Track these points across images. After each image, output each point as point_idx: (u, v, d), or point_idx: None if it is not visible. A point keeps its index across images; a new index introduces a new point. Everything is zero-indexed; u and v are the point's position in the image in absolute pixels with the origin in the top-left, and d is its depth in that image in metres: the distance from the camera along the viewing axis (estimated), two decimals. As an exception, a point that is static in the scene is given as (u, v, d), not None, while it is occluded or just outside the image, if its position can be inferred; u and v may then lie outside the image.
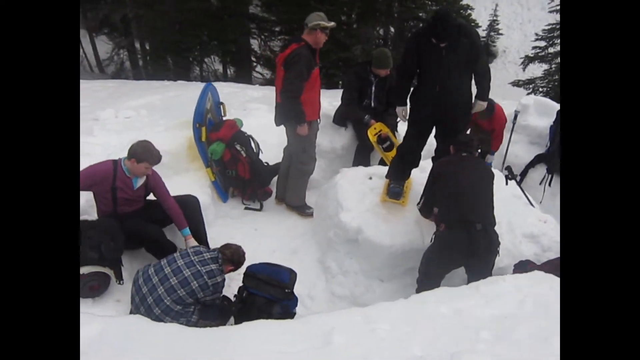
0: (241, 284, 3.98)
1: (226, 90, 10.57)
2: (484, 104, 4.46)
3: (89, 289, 3.85)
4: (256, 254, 4.76)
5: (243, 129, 5.76)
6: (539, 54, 17.44)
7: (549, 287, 3.02)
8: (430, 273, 4.07)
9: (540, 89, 17.48)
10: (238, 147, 5.54)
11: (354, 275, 4.68)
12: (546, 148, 6.24)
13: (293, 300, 3.90)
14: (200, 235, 4.62)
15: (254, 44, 17.71)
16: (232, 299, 4.06)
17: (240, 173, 5.58)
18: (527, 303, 2.83)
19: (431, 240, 4.14)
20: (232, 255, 3.98)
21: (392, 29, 16.81)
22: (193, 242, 4.38)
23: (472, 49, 4.18)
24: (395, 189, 4.79)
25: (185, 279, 3.66)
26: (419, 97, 4.45)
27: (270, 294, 3.81)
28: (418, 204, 4.43)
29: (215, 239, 4.81)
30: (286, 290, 3.86)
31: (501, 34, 22.38)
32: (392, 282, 4.61)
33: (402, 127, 6.14)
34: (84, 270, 3.84)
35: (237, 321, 3.86)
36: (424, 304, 2.91)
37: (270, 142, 6.00)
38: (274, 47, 17.45)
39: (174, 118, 6.95)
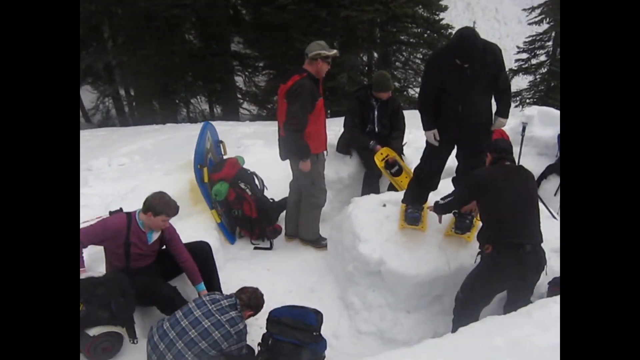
0: (265, 331, 3.72)
1: (218, 129, 10.41)
2: (505, 121, 4.29)
3: (101, 350, 3.60)
4: (272, 296, 4.51)
5: (245, 166, 5.57)
6: (523, 66, 17.56)
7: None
8: (472, 300, 3.86)
9: (527, 100, 17.58)
10: (242, 185, 5.33)
11: (379, 309, 4.43)
12: (556, 158, 6.09)
13: (321, 343, 3.65)
14: (213, 282, 4.40)
15: (239, 81, 17.63)
16: (256, 348, 3.80)
17: (246, 212, 5.35)
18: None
19: (475, 262, 3.94)
20: (249, 300, 3.75)
21: (376, 55, 16.80)
22: None
23: (494, 66, 4.04)
24: (413, 214, 4.58)
25: (205, 330, 3.41)
26: (441, 118, 4.26)
27: (296, 339, 3.54)
28: (439, 200, 4.19)
29: (227, 282, 4.58)
30: (314, 333, 3.61)
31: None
32: (419, 312, 4.36)
33: (408, 151, 6.00)
34: (94, 331, 3.59)
35: (264, 372, 3.59)
36: (475, 337, 2.67)
37: (272, 177, 5.79)
38: (259, 83, 17.41)
39: (170, 161, 6.77)
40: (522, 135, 6.15)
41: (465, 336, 2.72)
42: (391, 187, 5.75)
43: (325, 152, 5.14)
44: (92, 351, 3.55)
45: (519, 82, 18.26)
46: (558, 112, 6.47)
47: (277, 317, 3.66)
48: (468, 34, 3.90)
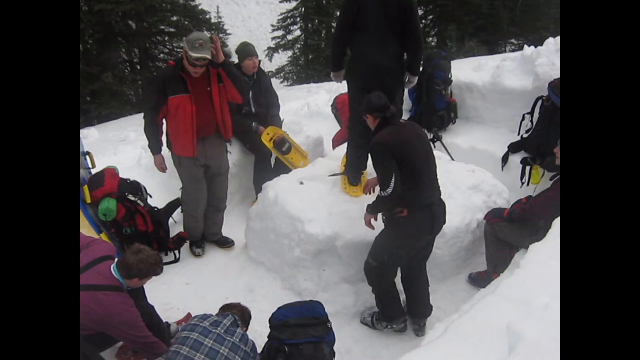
0: (270, 342, 3.26)
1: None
2: (415, 79, 4.34)
3: None
4: (209, 309, 4.01)
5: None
6: (280, 43, 18.30)
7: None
8: (390, 264, 3.86)
9: (291, 75, 18.49)
10: (131, 197, 4.54)
11: (336, 286, 4.26)
12: (412, 111, 6.51)
13: (331, 334, 3.35)
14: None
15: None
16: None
17: (140, 227, 4.58)
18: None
19: (384, 224, 3.86)
20: (242, 315, 3.30)
21: (137, 50, 15.70)
22: None
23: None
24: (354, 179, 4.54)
25: (226, 358, 2.86)
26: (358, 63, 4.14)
27: (313, 336, 3.20)
28: (384, 191, 3.61)
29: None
30: (327, 325, 3.31)
31: (229, 34, 22.77)
32: (374, 278, 4.30)
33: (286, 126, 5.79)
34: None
35: (287, 384, 3.16)
36: (539, 262, 2.70)
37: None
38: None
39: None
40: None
41: (528, 269, 2.73)
42: (277, 167, 5.47)
43: (195, 157, 4.47)
44: None
45: (280, 59, 19.01)
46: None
47: (284, 321, 3.25)
48: None
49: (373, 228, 3.89)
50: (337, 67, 4.30)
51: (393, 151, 3.51)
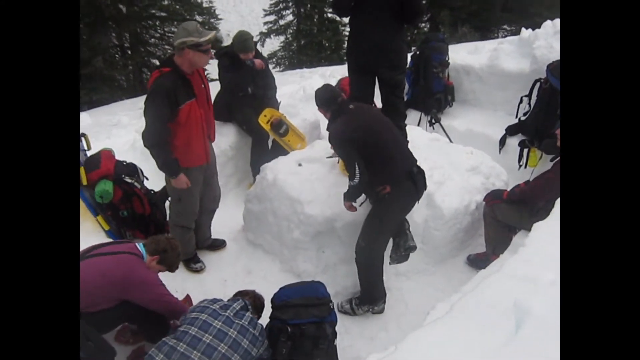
0: (272, 323, 3.25)
1: None
2: None
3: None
4: (208, 292, 4.10)
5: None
6: (272, 28, 18.13)
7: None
8: (380, 243, 3.89)
9: (283, 60, 18.36)
10: (128, 179, 4.48)
11: (334, 267, 4.26)
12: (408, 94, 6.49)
13: (333, 314, 3.34)
14: None
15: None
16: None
17: (137, 210, 4.53)
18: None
19: (372, 204, 3.92)
20: (254, 302, 3.29)
21: (127, 34, 15.49)
22: None
23: None
24: None
25: (234, 340, 2.86)
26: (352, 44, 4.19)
27: (315, 316, 3.20)
28: (352, 181, 3.65)
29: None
30: (330, 305, 3.30)
31: (221, 19, 22.56)
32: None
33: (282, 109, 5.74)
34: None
35: (291, 363, 3.16)
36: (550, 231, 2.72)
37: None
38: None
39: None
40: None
41: (533, 247, 2.73)
42: (274, 149, 5.43)
43: (206, 163, 4.21)
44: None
45: (273, 44, 18.85)
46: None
47: (286, 301, 3.24)
48: None
49: (355, 210, 3.94)
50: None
51: (351, 140, 3.62)
